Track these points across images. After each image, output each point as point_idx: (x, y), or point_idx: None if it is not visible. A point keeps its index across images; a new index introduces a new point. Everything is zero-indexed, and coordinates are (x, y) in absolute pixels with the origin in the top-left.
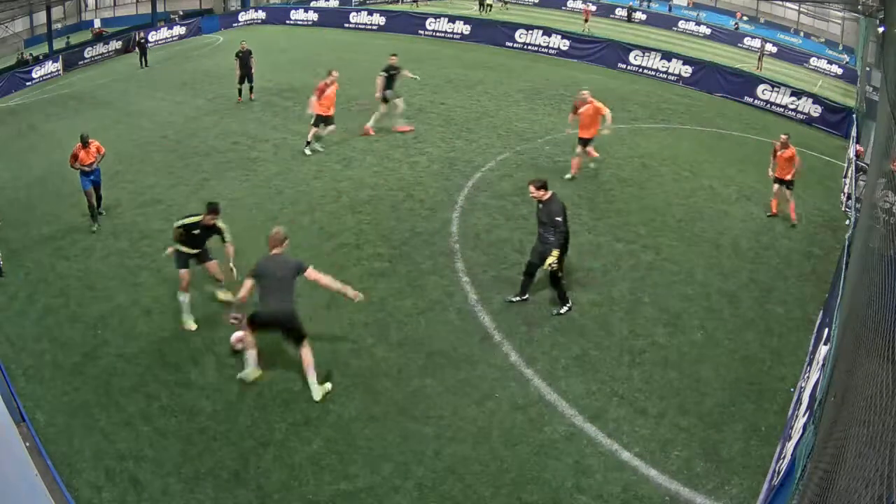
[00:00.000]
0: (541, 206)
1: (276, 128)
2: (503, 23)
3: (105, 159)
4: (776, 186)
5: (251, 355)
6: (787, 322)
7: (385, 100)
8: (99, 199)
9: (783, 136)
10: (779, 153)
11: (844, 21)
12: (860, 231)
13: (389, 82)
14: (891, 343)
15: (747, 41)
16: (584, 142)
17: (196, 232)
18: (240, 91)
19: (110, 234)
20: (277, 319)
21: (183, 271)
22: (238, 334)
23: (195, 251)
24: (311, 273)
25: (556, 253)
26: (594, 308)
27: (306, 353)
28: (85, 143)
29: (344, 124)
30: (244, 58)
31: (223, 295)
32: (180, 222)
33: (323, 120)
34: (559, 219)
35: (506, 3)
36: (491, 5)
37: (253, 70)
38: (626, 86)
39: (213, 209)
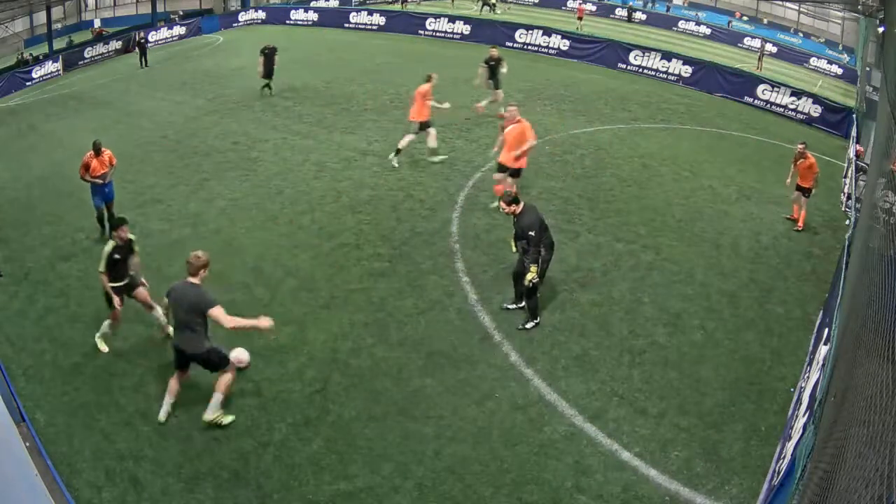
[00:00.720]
0: (514, 220)
1: (276, 128)
2: (503, 23)
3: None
4: (797, 193)
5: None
6: (787, 322)
7: (496, 87)
8: (111, 216)
9: (800, 146)
10: (798, 162)
11: (844, 21)
12: (860, 231)
13: (492, 72)
14: (891, 343)
15: (747, 41)
16: (506, 169)
17: (117, 257)
18: (268, 86)
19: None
20: (183, 353)
21: (117, 311)
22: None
23: (124, 282)
24: (216, 313)
25: (533, 269)
26: (594, 308)
27: (225, 377)
28: (98, 152)
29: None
30: (269, 54)
31: (103, 345)
32: (104, 261)
33: (425, 126)
34: (532, 233)
35: (508, 3)
36: (495, 4)
37: (276, 66)
38: (626, 86)
39: (121, 222)
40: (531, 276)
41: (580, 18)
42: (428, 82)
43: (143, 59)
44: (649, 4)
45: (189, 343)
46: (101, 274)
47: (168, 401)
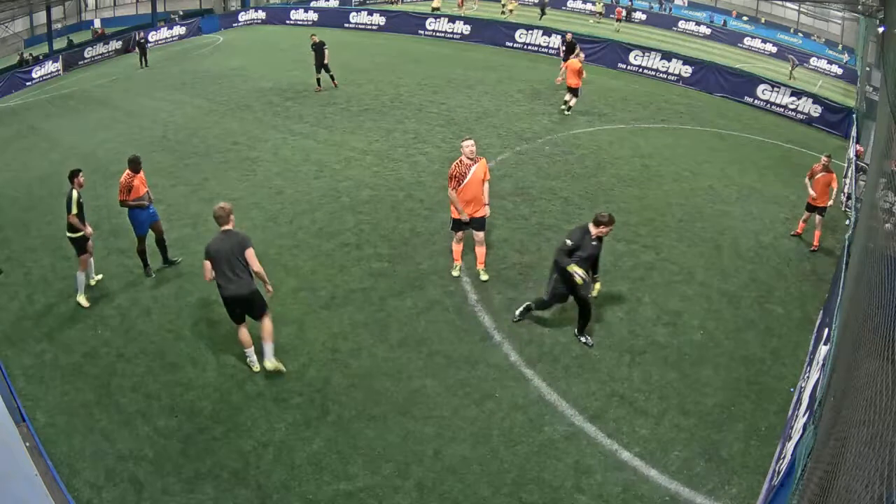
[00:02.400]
0: (597, 243)
1: (276, 128)
2: (503, 23)
3: (105, 159)
4: (807, 213)
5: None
6: (787, 322)
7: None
8: (162, 239)
9: (824, 159)
10: (817, 176)
11: (844, 21)
12: (860, 231)
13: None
14: (891, 343)
15: (747, 41)
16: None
17: (82, 202)
18: (318, 80)
19: (110, 234)
20: (240, 298)
21: (85, 255)
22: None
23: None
24: (252, 252)
25: (573, 267)
26: (594, 308)
27: (267, 324)
28: (137, 168)
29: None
30: (317, 49)
31: (85, 301)
32: (75, 206)
33: (574, 91)
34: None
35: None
36: (512, 10)
37: (326, 60)
38: (626, 86)
39: (78, 171)
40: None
41: (619, 20)
42: (577, 57)
43: (143, 59)
44: (655, 6)
45: (245, 285)
46: (74, 216)
47: (249, 351)
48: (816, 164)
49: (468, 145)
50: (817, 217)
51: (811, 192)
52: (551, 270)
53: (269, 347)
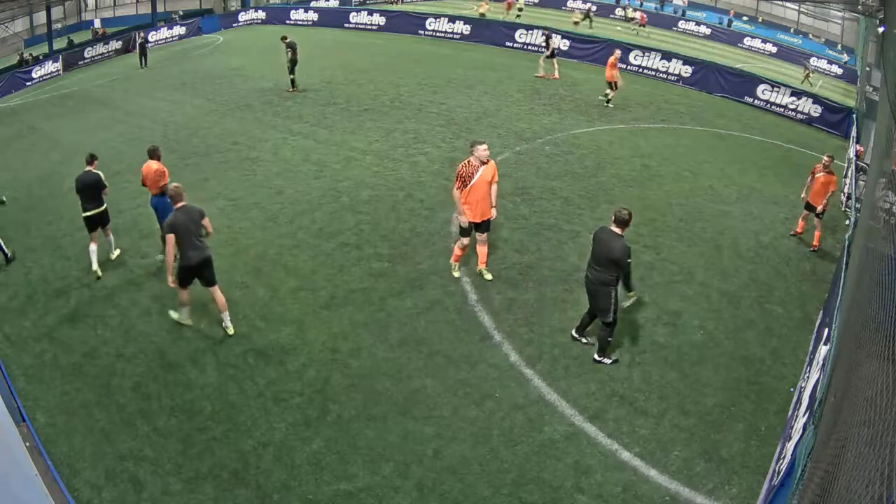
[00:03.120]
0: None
1: (276, 128)
2: (503, 23)
3: (106, 159)
4: (805, 212)
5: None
6: (787, 322)
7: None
8: None
9: (826, 158)
10: (818, 175)
11: (844, 21)
12: (860, 231)
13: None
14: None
15: (747, 41)
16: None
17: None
18: (292, 81)
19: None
20: (201, 263)
21: (96, 232)
22: None
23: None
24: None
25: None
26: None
27: (220, 295)
28: (160, 157)
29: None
30: (290, 49)
31: (100, 270)
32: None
33: (612, 85)
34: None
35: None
36: (522, 9)
37: (292, 60)
38: (626, 86)
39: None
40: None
41: (643, 25)
42: (614, 56)
43: (142, 59)
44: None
45: (206, 250)
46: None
47: (185, 309)
48: (818, 164)
49: (482, 149)
50: (816, 219)
51: (803, 192)
52: (597, 287)
53: (226, 315)
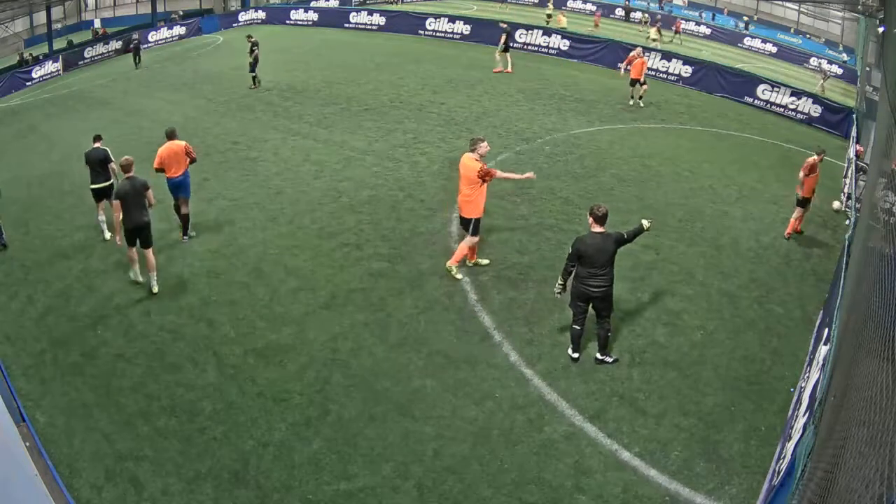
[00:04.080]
0: None
1: (277, 128)
2: (503, 23)
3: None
4: (799, 209)
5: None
6: (787, 322)
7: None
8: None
9: (820, 155)
10: (811, 174)
11: (844, 21)
12: (860, 231)
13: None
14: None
15: (747, 41)
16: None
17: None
18: (254, 79)
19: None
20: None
21: (102, 202)
22: None
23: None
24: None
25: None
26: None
27: (151, 257)
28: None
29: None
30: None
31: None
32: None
33: (637, 82)
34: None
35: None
36: (551, 16)
37: (254, 59)
38: (626, 86)
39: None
40: None
41: (677, 32)
42: (640, 57)
43: (136, 60)
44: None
45: (146, 216)
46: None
47: (136, 267)
48: (811, 158)
49: (485, 145)
50: (801, 208)
51: (799, 189)
52: (608, 289)
53: (153, 276)
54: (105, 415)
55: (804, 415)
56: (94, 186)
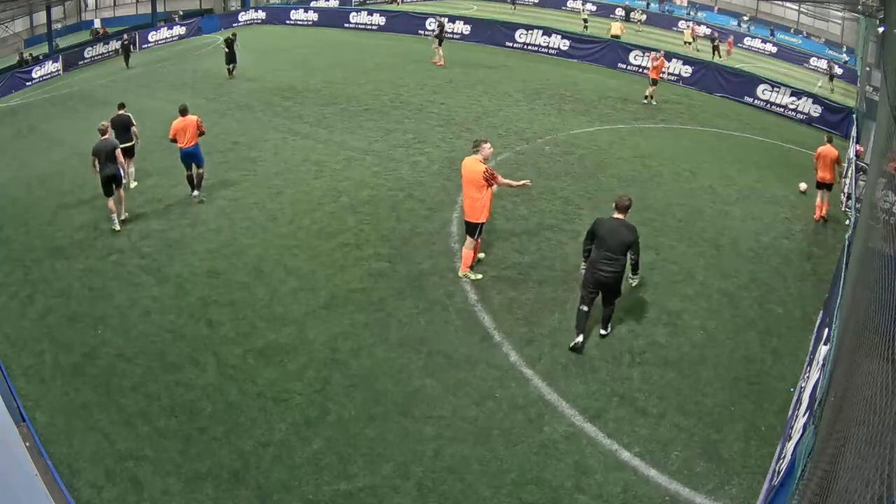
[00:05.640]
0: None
1: (277, 128)
2: (503, 23)
3: None
4: (820, 192)
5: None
6: (787, 322)
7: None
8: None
9: (826, 141)
10: (825, 155)
11: (844, 21)
12: (860, 231)
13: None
14: (891, 343)
15: (747, 41)
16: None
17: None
18: (229, 70)
19: (110, 234)
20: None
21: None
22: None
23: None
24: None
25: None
26: (594, 308)
27: (121, 193)
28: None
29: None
30: (230, 45)
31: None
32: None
33: (653, 83)
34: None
35: (585, 21)
36: (586, 20)
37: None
38: (626, 86)
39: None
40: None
41: (729, 52)
42: (657, 61)
43: (126, 60)
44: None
45: (115, 169)
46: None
47: (114, 216)
48: (821, 147)
49: (487, 147)
50: (826, 192)
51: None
52: (617, 274)
53: (122, 208)
54: (105, 415)
55: (804, 415)
56: (128, 144)
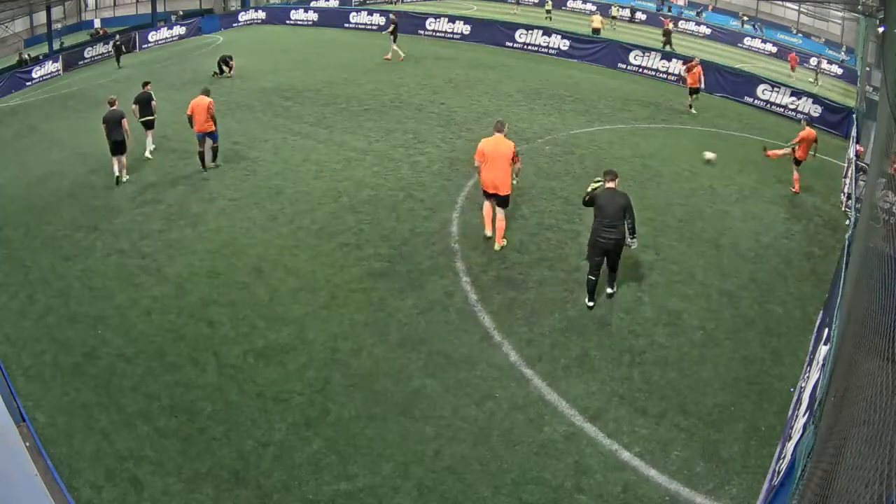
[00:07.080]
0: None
1: (277, 128)
2: (503, 23)
3: (106, 161)
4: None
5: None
6: (787, 322)
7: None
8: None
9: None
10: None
11: (844, 21)
12: (860, 231)
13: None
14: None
15: (747, 41)
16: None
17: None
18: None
19: (110, 234)
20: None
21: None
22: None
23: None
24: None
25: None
26: (594, 308)
27: (123, 160)
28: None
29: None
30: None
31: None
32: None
33: (694, 91)
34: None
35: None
36: (549, 10)
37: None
38: (626, 86)
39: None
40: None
41: (793, 69)
42: (689, 71)
43: (118, 60)
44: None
45: (122, 134)
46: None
47: (115, 168)
48: (801, 132)
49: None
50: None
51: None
52: (617, 241)
53: (124, 171)
54: (105, 415)
55: (804, 415)
56: (142, 119)
